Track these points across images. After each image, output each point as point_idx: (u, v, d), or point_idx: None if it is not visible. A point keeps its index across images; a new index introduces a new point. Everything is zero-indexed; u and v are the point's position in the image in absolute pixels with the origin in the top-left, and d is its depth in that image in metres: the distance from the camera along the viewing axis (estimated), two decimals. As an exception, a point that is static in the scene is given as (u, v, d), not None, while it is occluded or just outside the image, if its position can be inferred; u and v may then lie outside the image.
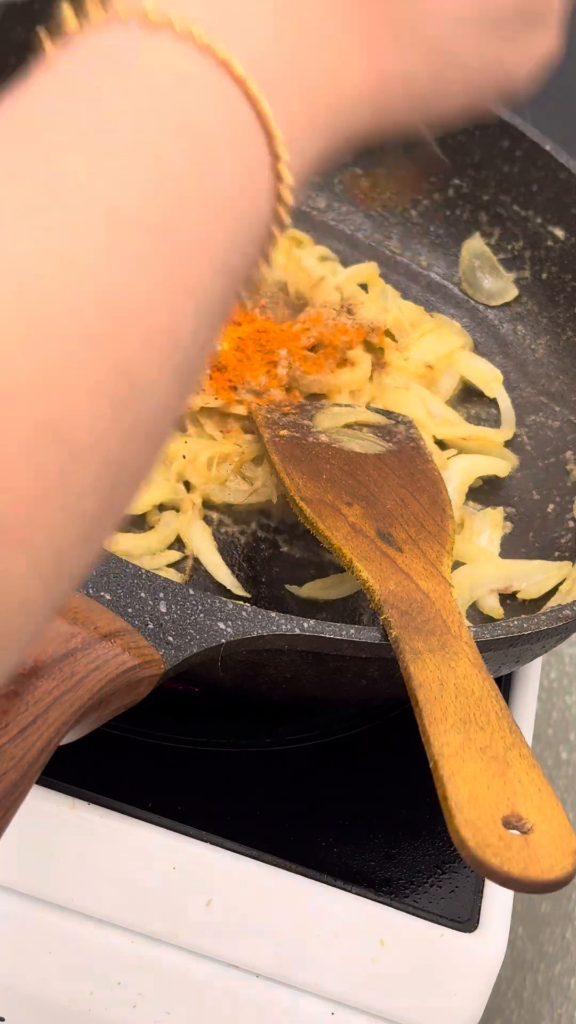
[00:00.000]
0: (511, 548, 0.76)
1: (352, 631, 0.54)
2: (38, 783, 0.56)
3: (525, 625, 0.58)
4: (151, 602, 0.51)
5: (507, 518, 0.78)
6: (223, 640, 0.52)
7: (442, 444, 0.80)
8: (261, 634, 0.52)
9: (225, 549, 0.70)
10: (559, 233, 0.84)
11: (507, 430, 0.82)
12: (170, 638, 0.51)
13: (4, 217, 0.28)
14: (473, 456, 0.79)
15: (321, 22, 0.37)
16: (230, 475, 0.72)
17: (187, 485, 0.71)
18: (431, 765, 0.46)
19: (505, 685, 0.73)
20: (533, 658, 0.64)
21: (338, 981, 0.61)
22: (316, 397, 0.78)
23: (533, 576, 0.72)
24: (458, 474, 0.77)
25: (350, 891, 0.60)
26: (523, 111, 0.95)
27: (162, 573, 0.67)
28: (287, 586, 0.69)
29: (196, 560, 0.68)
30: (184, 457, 0.71)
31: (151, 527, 0.69)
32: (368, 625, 0.59)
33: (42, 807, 0.59)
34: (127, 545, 0.67)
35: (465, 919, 0.60)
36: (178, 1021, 0.62)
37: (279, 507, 0.72)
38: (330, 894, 0.60)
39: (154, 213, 0.31)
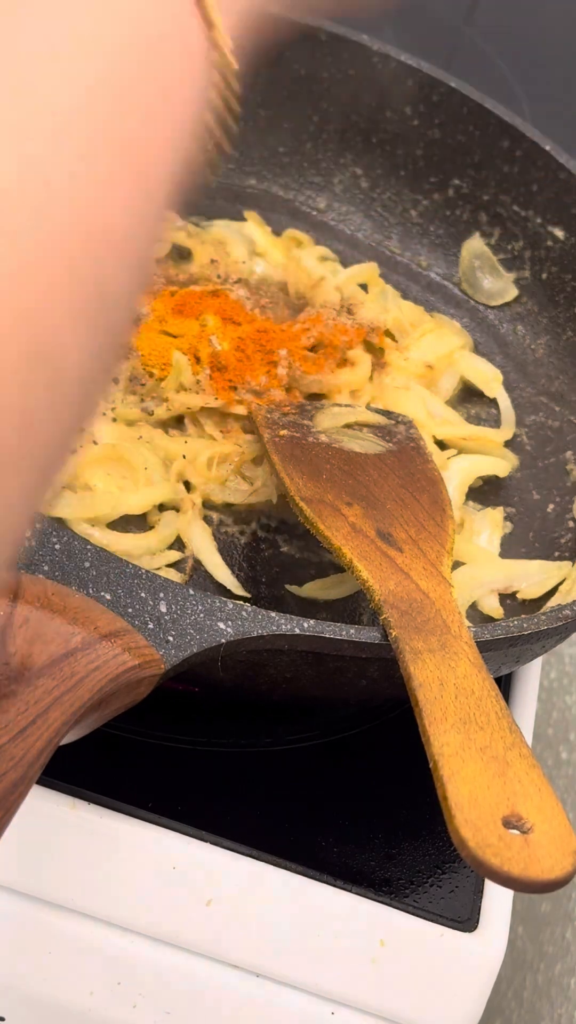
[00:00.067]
0: (511, 548, 0.76)
1: (352, 631, 0.54)
2: (38, 783, 0.56)
3: (525, 625, 0.58)
4: (151, 602, 0.51)
5: (507, 518, 0.78)
6: (223, 640, 0.52)
7: (442, 444, 0.80)
8: (261, 634, 0.52)
9: (225, 549, 0.70)
10: (559, 233, 0.84)
11: (507, 430, 0.82)
12: (170, 638, 0.51)
13: None
14: (473, 456, 0.79)
15: None
16: (230, 475, 0.72)
17: (187, 485, 0.71)
18: (431, 765, 0.46)
19: (505, 685, 0.73)
20: (533, 658, 0.64)
21: (338, 981, 0.61)
22: (316, 397, 0.78)
23: (533, 576, 0.72)
24: (458, 474, 0.77)
25: (350, 891, 0.60)
26: (523, 111, 0.95)
27: (162, 573, 0.67)
28: (287, 586, 0.69)
29: (196, 560, 0.68)
30: (184, 457, 0.71)
31: (151, 527, 0.69)
32: (368, 625, 0.59)
33: (42, 807, 0.59)
34: (127, 545, 0.67)
35: (465, 919, 0.60)
36: (178, 1021, 0.62)
37: (279, 507, 0.72)
38: (330, 894, 0.60)
39: (104, 102, 0.31)
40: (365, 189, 0.91)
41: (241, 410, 0.74)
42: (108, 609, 0.50)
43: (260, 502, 0.72)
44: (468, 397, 0.84)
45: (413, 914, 0.60)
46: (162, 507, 0.70)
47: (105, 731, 0.52)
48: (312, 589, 0.69)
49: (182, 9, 0.35)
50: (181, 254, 0.83)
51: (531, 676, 0.75)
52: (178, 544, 0.69)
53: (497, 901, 0.62)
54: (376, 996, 0.61)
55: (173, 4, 0.35)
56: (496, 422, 0.83)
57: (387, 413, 0.76)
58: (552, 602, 0.71)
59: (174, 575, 0.67)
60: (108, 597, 0.51)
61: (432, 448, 0.77)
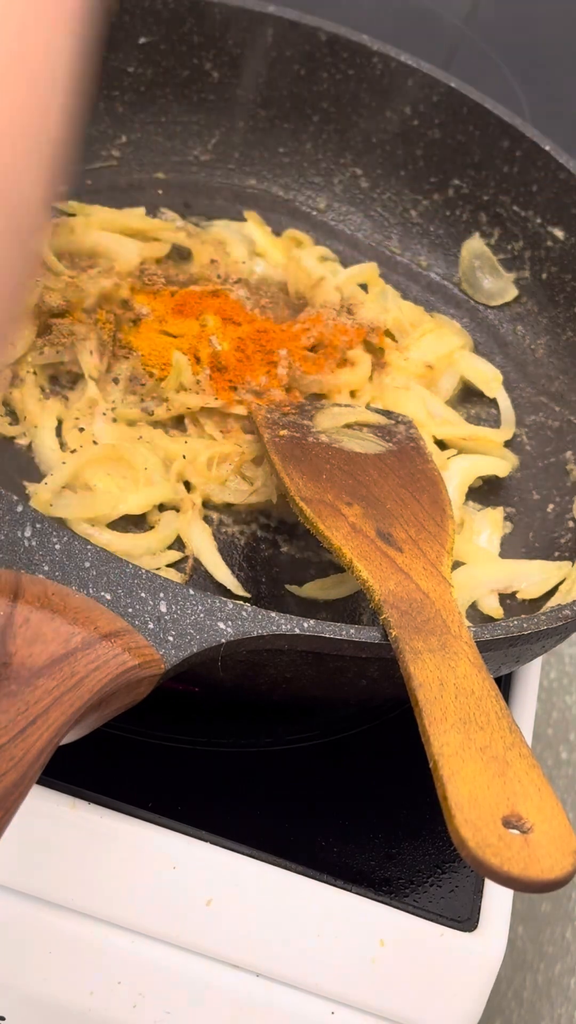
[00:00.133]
0: (511, 548, 0.76)
1: (352, 631, 0.54)
2: (38, 783, 0.56)
3: (525, 625, 0.58)
4: (151, 602, 0.51)
5: (507, 518, 0.78)
6: (223, 640, 0.52)
7: (442, 444, 0.80)
8: (261, 634, 0.52)
9: (225, 549, 0.70)
10: (559, 233, 0.84)
11: (507, 430, 0.82)
12: (170, 638, 0.51)
13: None
14: (473, 456, 0.79)
15: None
16: (230, 475, 0.72)
17: (187, 485, 0.71)
18: (431, 765, 0.46)
19: (505, 685, 0.73)
20: (533, 658, 0.64)
21: (338, 981, 0.61)
22: (316, 397, 0.78)
23: (533, 576, 0.72)
24: (458, 474, 0.77)
25: (350, 891, 0.60)
26: (523, 111, 0.95)
27: (162, 573, 0.67)
28: (287, 586, 0.69)
29: (196, 560, 0.68)
30: (184, 457, 0.71)
31: (151, 527, 0.69)
32: (368, 625, 0.59)
33: (42, 807, 0.59)
34: (127, 545, 0.67)
35: (465, 919, 0.60)
36: (178, 1021, 0.62)
37: (279, 507, 0.72)
38: (330, 894, 0.60)
39: None
40: (365, 189, 0.91)
41: (241, 410, 0.74)
42: (108, 609, 0.50)
43: (260, 502, 0.72)
44: (468, 397, 0.84)
45: (413, 914, 0.60)
46: (162, 507, 0.70)
47: (105, 731, 0.52)
48: (312, 589, 0.69)
49: None
50: (181, 254, 0.83)
51: (531, 676, 0.75)
52: (178, 544, 0.69)
53: (497, 901, 0.62)
54: (376, 996, 0.61)
55: None
56: (496, 422, 0.83)
57: (387, 413, 0.76)
58: (552, 602, 0.71)
59: (174, 575, 0.68)
60: (108, 597, 0.51)
61: (432, 448, 0.77)
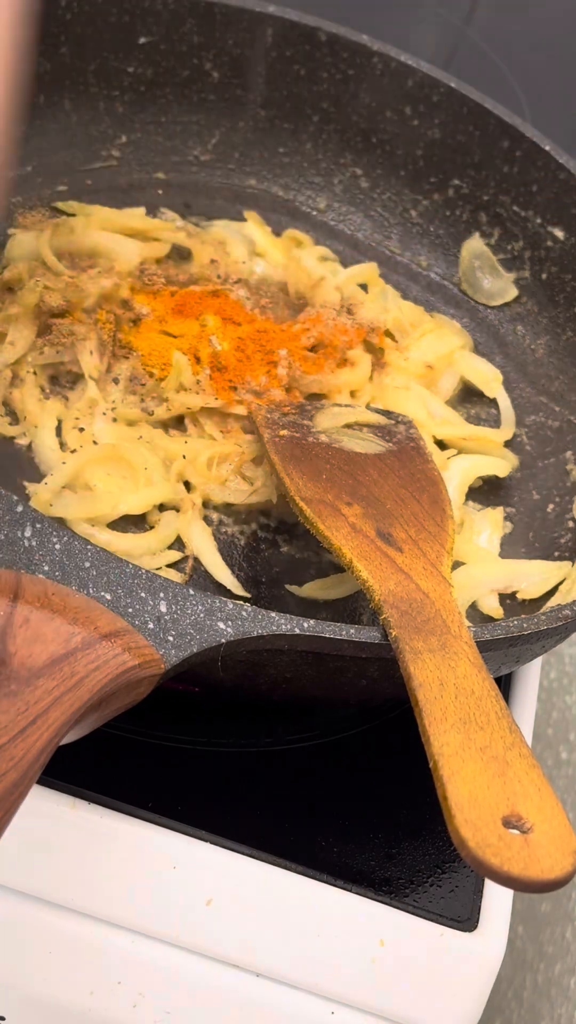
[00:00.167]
0: (511, 548, 0.76)
1: (352, 631, 0.54)
2: (38, 783, 0.56)
3: (525, 625, 0.58)
4: (151, 602, 0.51)
5: (507, 518, 0.78)
6: (223, 640, 0.52)
7: (442, 444, 0.80)
8: (261, 634, 0.52)
9: (225, 549, 0.70)
10: (559, 233, 0.84)
11: (507, 430, 0.82)
12: (170, 638, 0.51)
13: None
14: (473, 456, 0.79)
15: None
16: (230, 475, 0.72)
17: (187, 485, 0.71)
18: (431, 765, 0.46)
19: (505, 685, 0.73)
20: (533, 658, 0.64)
21: (338, 981, 0.61)
22: (316, 397, 0.78)
23: (533, 576, 0.72)
24: (458, 474, 0.77)
25: (350, 891, 0.60)
26: (523, 111, 0.95)
27: (162, 573, 0.67)
28: (287, 586, 0.69)
29: (196, 560, 0.69)
30: (184, 457, 0.71)
31: (151, 527, 0.69)
32: (368, 625, 0.59)
33: (42, 807, 0.59)
34: (127, 545, 0.67)
35: (465, 919, 0.60)
36: (178, 1021, 0.62)
37: (279, 507, 0.72)
38: (330, 894, 0.60)
39: None
40: (365, 189, 0.91)
41: (241, 410, 0.74)
42: (108, 609, 0.50)
43: (260, 502, 0.72)
44: (468, 397, 0.84)
45: (413, 914, 0.60)
46: (162, 507, 0.70)
47: (105, 731, 0.52)
48: (312, 589, 0.69)
49: None
50: (181, 254, 0.83)
51: (531, 676, 0.75)
52: (178, 544, 0.69)
53: (497, 901, 0.62)
54: (376, 996, 0.61)
55: None
56: (496, 422, 0.83)
57: (387, 413, 0.76)
58: (552, 602, 0.71)
59: (174, 575, 0.68)
60: (108, 597, 0.51)
61: (432, 448, 0.77)
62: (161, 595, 0.52)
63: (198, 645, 0.51)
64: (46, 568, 0.51)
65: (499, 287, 0.88)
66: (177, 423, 0.74)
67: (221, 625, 0.52)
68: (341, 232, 0.91)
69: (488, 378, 0.84)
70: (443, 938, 0.60)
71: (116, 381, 0.74)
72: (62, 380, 0.74)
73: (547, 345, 0.85)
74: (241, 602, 0.53)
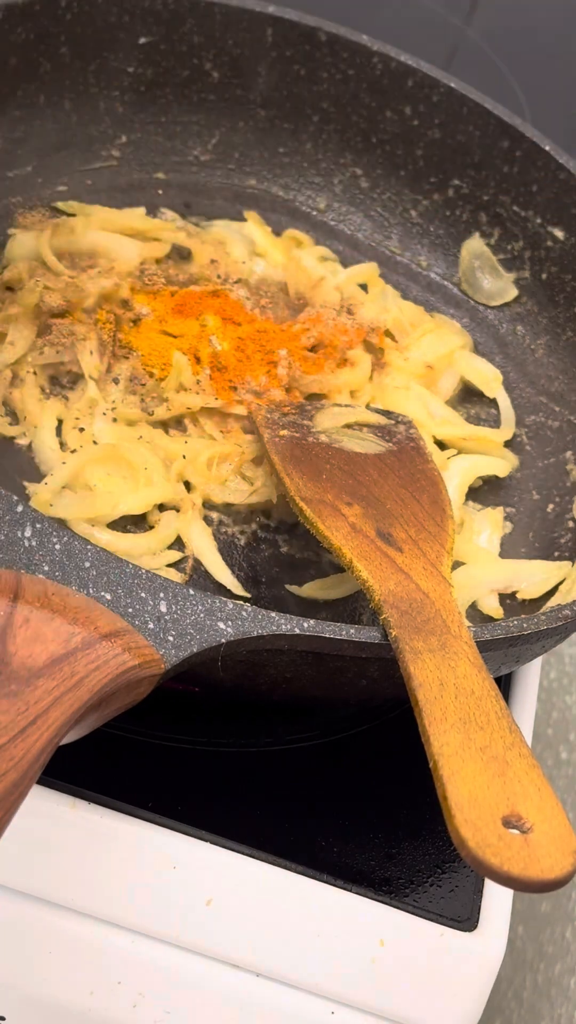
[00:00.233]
0: (511, 548, 0.76)
1: (352, 631, 0.54)
2: (38, 783, 0.56)
3: (525, 625, 0.58)
4: (151, 602, 0.51)
5: (507, 518, 0.78)
6: (223, 640, 0.52)
7: (442, 444, 0.80)
8: (261, 634, 0.52)
9: (225, 549, 0.70)
10: (559, 233, 0.84)
11: (507, 430, 0.82)
12: (170, 638, 0.51)
13: None
14: (473, 456, 0.79)
15: None
16: (230, 475, 0.72)
17: (187, 485, 0.71)
18: (431, 765, 0.46)
19: (505, 685, 0.73)
20: (533, 658, 0.64)
21: (338, 981, 0.61)
22: (316, 397, 0.78)
23: (533, 576, 0.72)
24: (458, 474, 0.77)
25: (350, 891, 0.60)
26: (523, 111, 0.95)
27: (162, 573, 0.67)
28: (287, 586, 0.69)
29: (196, 560, 0.69)
30: (184, 457, 0.71)
31: (151, 527, 0.69)
32: (368, 625, 0.59)
33: (42, 807, 0.59)
34: (127, 545, 0.67)
35: (465, 919, 0.60)
36: (178, 1021, 0.62)
37: (279, 507, 0.72)
38: (330, 894, 0.60)
39: None
40: (365, 189, 0.91)
41: (241, 410, 0.74)
42: (108, 609, 0.50)
43: (260, 502, 0.72)
44: (468, 397, 0.84)
45: (413, 914, 0.60)
46: (162, 507, 0.70)
47: (105, 731, 0.52)
48: (312, 589, 0.69)
49: None
50: (181, 254, 0.83)
51: (531, 676, 0.75)
52: (178, 544, 0.69)
53: (497, 901, 0.62)
54: (376, 996, 0.61)
55: None
56: (496, 422, 0.83)
57: (387, 413, 0.76)
58: (552, 602, 0.71)
59: (174, 575, 0.68)
60: (108, 597, 0.51)
61: (432, 448, 0.77)
62: (161, 595, 0.52)
63: (198, 645, 0.51)
64: (46, 568, 0.51)
65: (499, 287, 0.88)
66: (177, 423, 0.74)
67: (221, 625, 0.52)
68: (341, 232, 0.91)
69: (488, 378, 0.84)
70: (443, 938, 0.60)
71: (116, 381, 0.74)
72: (62, 380, 0.74)
73: (547, 345, 0.85)
74: (241, 602, 0.53)
